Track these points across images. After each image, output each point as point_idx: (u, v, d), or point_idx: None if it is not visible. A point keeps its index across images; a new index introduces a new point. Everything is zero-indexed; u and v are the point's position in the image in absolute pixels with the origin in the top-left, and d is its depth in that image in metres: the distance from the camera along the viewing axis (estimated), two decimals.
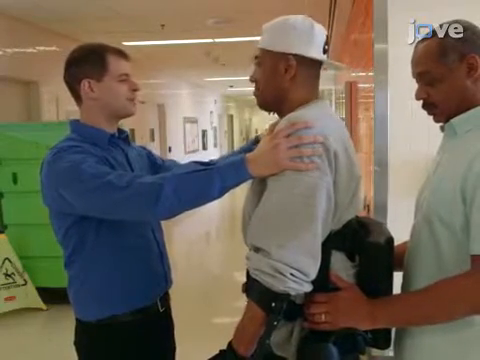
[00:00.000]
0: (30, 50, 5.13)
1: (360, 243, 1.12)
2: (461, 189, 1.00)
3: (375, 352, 2.34)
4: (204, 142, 13.32)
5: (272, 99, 1.19)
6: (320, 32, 1.16)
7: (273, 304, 1.00)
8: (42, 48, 5.33)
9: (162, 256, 1.51)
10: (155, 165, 1.61)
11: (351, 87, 4.45)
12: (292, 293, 1.01)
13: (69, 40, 5.75)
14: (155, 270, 1.47)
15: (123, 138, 1.50)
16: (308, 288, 1.02)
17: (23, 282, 3.92)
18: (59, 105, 5.42)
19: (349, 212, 1.13)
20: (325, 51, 1.18)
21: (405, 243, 1.23)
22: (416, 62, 1.14)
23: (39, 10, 4.67)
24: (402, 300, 1.09)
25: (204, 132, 13.30)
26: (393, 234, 1.18)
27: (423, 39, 1.14)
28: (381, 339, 1.13)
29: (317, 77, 1.20)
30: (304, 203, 1.02)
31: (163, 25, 5.49)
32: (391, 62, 2.37)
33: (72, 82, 1.40)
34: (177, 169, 1.24)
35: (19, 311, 3.85)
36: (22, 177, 4.01)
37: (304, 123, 1.06)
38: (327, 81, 10.37)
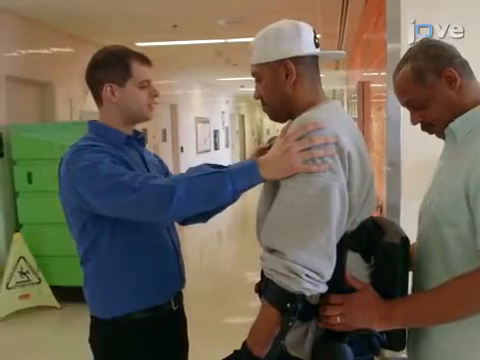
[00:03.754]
0: (45, 51, 5.19)
1: (375, 243, 1.12)
2: (465, 189, 1.02)
3: (388, 353, 2.32)
4: (216, 142, 13.34)
5: (281, 108, 1.19)
6: (306, 29, 1.18)
7: (288, 305, 1.00)
8: (56, 49, 5.39)
9: (177, 255, 1.52)
10: (166, 174, 1.62)
11: (363, 87, 4.43)
12: (307, 294, 1.01)
13: (83, 41, 5.80)
14: (170, 269, 1.48)
15: (138, 139, 1.52)
16: (323, 289, 1.03)
17: (37, 280, 3.97)
18: (72, 106, 5.48)
19: (364, 212, 1.12)
20: (317, 45, 1.19)
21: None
22: (399, 93, 1.19)
23: (54, 12, 4.73)
24: (416, 300, 1.09)
25: (216, 132, 13.32)
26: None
27: (397, 69, 1.18)
28: (396, 340, 1.13)
29: (318, 73, 1.21)
30: (317, 204, 1.02)
31: (175, 26, 5.51)
32: None
33: (94, 84, 1.42)
34: (189, 171, 1.25)
35: (33, 309, 3.91)
36: (37, 177, 4.06)
37: (314, 124, 1.06)
38: (339, 81, 10.31)
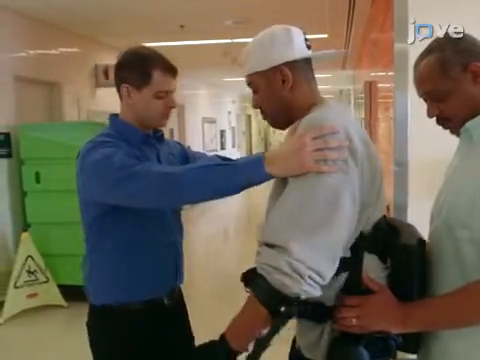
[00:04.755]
0: (53, 51, 5.22)
1: (392, 245, 1.10)
2: None
3: (399, 355, 2.30)
4: (222, 142, 13.35)
5: (281, 115, 1.19)
6: (297, 32, 1.17)
7: (282, 308, 0.97)
8: (64, 49, 5.42)
9: (176, 256, 1.57)
10: (189, 160, 1.66)
11: (370, 87, 4.42)
12: (303, 297, 0.98)
13: (90, 41, 5.84)
14: (165, 268, 1.53)
15: (157, 137, 1.55)
16: (319, 293, 1.00)
17: (45, 279, 4.00)
18: (80, 105, 5.51)
19: (377, 210, 1.11)
20: (309, 47, 1.18)
21: None
22: (420, 82, 1.14)
23: (61, 12, 4.76)
24: (434, 304, 1.06)
25: (222, 132, 13.33)
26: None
27: (421, 57, 1.14)
28: (412, 343, 1.11)
29: (313, 75, 1.21)
30: (328, 205, 1.00)
31: (182, 26, 5.53)
32: (411, 61, 2.33)
33: (116, 82, 1.47)
34: (201, 161, 1.30)
35: (41, 308, 3.94)
36: (45, 176, 4.09)
37: (331, 128, 1.04)
38: (345, 81, 10.29)
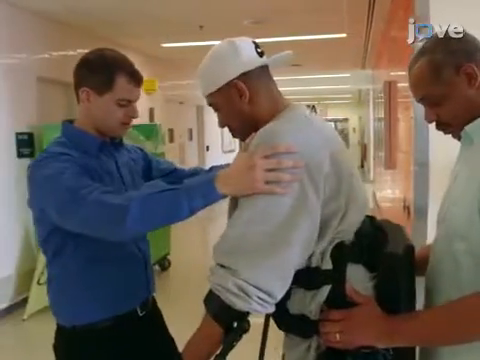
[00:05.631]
0: (74, 53, 5.31)
1: (377, 253, 1.04)
2: (479, 203, 0.94)
3: None
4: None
5: (247, 129, 1.16)
6: (244, 43, 1.14)
7: (235, 324, 0.98)
8: (84, 51, 5.51)
9: (146, 266, 1.50)
10: (151, 169, 1.59)
11: (390, 87, 4.37)
12: (254, 313, 0.98)
13: (111, 43, 5.90)
14: (135, 280, 1.45)
15: (115, 144, 1.47)
16: (271, 310, 0.99)
17: None
18: None
19: (353, 214, 1.06)
20: (261, 54, 1.15)
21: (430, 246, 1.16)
22: (414, 88, 1.10)
23: (83, 15, 4.84)
24: (424, 317, 1.01)
25: None
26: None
27: (414, 60, 1.08)
28: (404, 355, 1.04)
29: (272, 81, 1.17)
30: (280, 225, 0.97)
31: (201, 26, 5.56)
32: None
33: (76, 81, 1.38)
34: (145, 188, 1.23)
35: None
36: None
37: (286, 147, 0.99)
38: (365, 81, 10.19)
